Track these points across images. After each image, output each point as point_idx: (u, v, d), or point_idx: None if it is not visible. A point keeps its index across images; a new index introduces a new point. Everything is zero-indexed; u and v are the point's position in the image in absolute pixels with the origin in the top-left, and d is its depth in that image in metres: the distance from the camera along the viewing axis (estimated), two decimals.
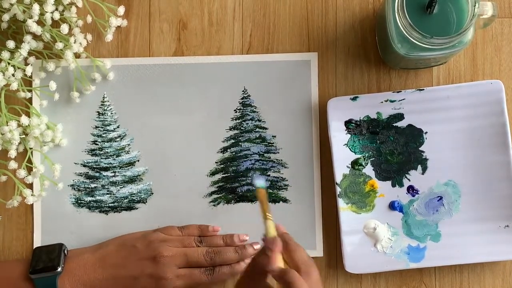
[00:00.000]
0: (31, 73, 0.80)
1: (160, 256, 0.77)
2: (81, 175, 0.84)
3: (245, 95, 0.84)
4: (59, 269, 0.76)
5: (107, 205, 0.84)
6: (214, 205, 0.84)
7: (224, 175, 0.84)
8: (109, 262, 0.78)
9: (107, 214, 0.84)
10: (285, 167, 0.83)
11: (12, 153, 0.79)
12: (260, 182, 0.75)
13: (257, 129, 0.84)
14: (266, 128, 0.84)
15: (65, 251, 0.79)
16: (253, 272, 0.67)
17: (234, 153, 0.84)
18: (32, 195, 0.81)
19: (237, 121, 0.84)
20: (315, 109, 0.83)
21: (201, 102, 0.84)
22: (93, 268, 0.77)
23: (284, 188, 0.83)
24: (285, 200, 0.83)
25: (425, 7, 0.71)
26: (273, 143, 0.84)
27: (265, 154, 0.84)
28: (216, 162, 0.84)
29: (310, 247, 0.82)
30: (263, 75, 0.84)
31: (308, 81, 0.83)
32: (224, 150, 0.84)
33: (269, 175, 0.83)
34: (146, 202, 0.84)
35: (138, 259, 0.77)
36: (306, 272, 0.65)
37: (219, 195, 0.84)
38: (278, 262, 0.67)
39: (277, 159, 0.84)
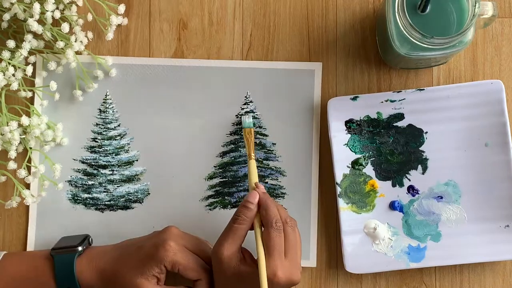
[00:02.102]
0: (32, 72, 0.80)
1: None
2: (79, 172, 0.84)
3: (247, 101, 0.84)
4: (80, 248, 0.77)
5: (103, 203, 0.84)
6: (210, 209, 0.83)
7: (221, 180, 0.83)
8: (124, 244, 0.78)
9: (102, 212, 0.84)
10: (283, 175, 0.83)
11: (12, 154, 0.79)
12: (249, 121, 0.81)
13: (258, 136, 0.83)
14: (266, 135, 0.83)
15: (90, 240, 0.81)
16: (233, 223, 0.73)
17: (233, 158, 0.83)
18: (31, 195, 0.80)
19: (238, 126, 0.84)
20: (317, 112, 0.83)
21: (203, 106, 0.84)
22: (110, 253, 0.77)
23: (281, 197, 0.83)
24: None
25: (417, 6, 0.71)
26: (273, 150, 0.83)
27: (264, 161, 0.83)
28: (214, 166, 0.83)
29: (304, 257, 0.81)
30: (267, 82, 0.83)
31: (311, 92, 0.83)
32: (223, 154, 0.84)
33: (266, 182, 0.83)
34: (142, 202, 0.84)
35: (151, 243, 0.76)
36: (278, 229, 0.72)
37: (215, 199, 0.83)
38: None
39: (275, 167, 0.83)
